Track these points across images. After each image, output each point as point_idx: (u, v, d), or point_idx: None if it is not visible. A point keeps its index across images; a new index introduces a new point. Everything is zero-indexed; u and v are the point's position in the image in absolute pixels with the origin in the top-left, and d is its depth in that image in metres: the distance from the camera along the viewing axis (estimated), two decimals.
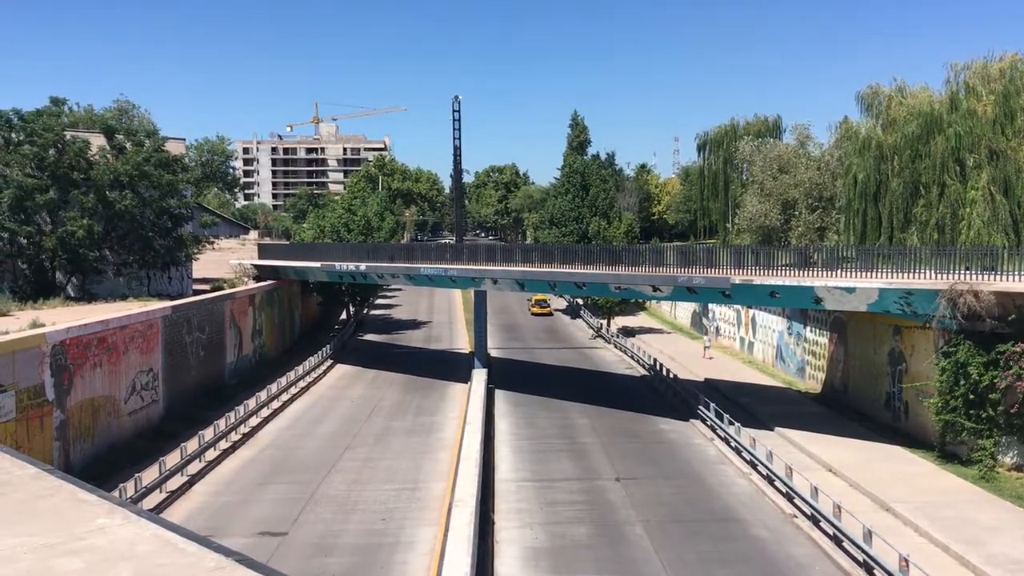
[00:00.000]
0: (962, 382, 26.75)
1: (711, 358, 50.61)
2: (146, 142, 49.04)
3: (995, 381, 26.18)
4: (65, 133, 46.77)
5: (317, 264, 48.28)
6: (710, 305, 56.98)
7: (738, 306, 50.73)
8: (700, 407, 34.93)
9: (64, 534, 4.04)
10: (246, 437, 32.58)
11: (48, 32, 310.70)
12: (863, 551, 19.67)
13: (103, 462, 27.34)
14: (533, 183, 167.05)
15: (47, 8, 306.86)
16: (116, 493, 21.48)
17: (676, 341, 58.09)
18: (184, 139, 62.30)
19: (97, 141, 47.92)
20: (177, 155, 51.91)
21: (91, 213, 44.33)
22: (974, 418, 26.68)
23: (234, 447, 31.09)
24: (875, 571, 19.19)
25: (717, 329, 57.50)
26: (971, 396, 26.60)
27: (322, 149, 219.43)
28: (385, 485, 26.81)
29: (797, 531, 22.75)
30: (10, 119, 45.16)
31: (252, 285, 49.91)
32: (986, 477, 25.83)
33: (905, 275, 28.81)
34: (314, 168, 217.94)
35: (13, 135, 45.21)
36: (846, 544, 20.75)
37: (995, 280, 26.92)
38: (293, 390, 40.82)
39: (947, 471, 26.82)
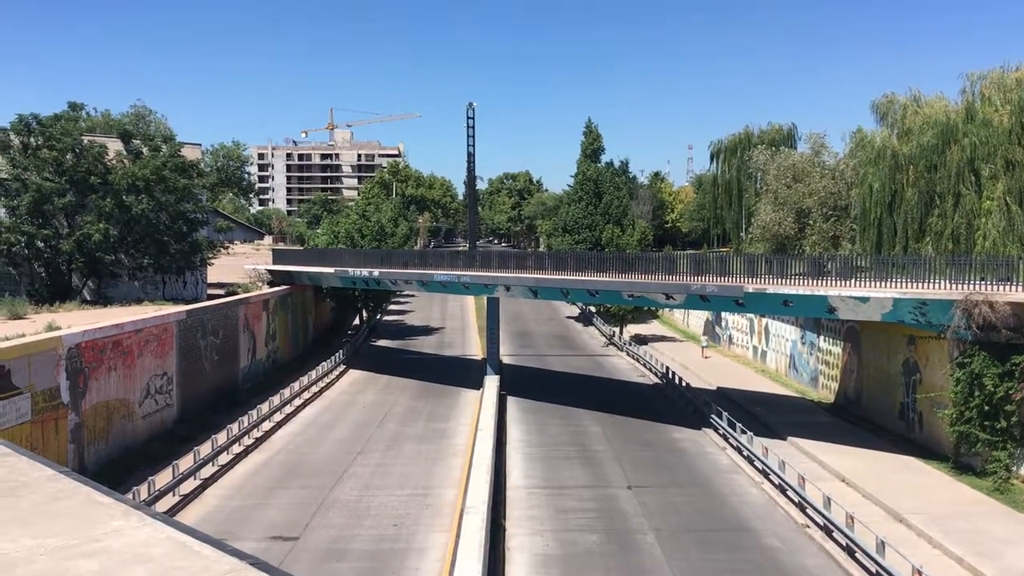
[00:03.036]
0: (977, 393, 26.58)
1: (708, 357, 54.18)
2: (163, 147, 49.45)
3: (1010, 392, 26.00)
4: (83, 138, 47.22)
5: (331, 270, 48.42)
6: (723, 313, 56.82)
7: (751, 315, 50.57)
8: (712, 416, 34.83)
9: (80, 536, 4.08)
10: (259, 441, 32.69)
11: (66, 38, 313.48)
12: (876, 562, 19.55)
13: (117, 465, 27.47)
14: (547, 190, 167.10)
15: (64, 14, 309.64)
16: (130, 496, 21.60)
17: (688, 349, 57.91)
18: (200, 144, 62.64)
19: (114, 146, 48.34)
20: (193, 160, 52.26)
21: (108, 217, 44.69)
22: (989, 429, 26.48)
23: (247, 451, 31.19)
24: None
25: (730, 338, 57.34)
26: (986, 407, 26.41)
27: (336, 155, 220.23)
28: (397, 491, 26.85)
29: (810, 541, 22.65)
30: (29, 124, 45.62)
31: (266, 290, 50.10)
32: (1001, 489, 25.63)
33: (920, 285, 28.64)
34: (328, 174, 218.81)
35: (32, 140, 45.65)
36: (859, 555, 20.64)
37: (1011, 291, 26.73)
38: (306, 395, 40.92)
39: (961, 482, 26.63)
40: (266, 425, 34.51)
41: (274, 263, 55.59)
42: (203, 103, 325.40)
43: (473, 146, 57.74)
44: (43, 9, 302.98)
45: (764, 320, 49.88)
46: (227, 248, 59.05)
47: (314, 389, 42.63)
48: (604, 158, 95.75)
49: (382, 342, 62.74)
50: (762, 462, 28.34)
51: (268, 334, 47.38)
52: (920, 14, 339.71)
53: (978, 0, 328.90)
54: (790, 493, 25.59)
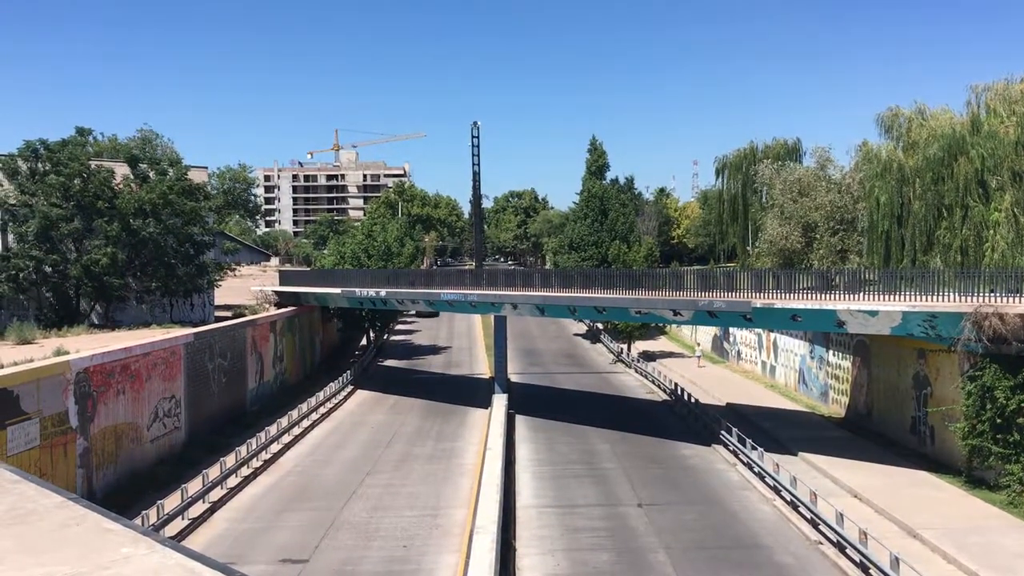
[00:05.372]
0: (988, 406, 26.39)
1: (703, 367, 56.71)
2: (169, 171, 49.65)
3: (1022, 405, 25.81)
4: (90, 163, 47.48)
5: (337, 290, 48.46)
6: (731, 329, 56.71)
7: (759, 330, 50.43)
8: (722, 432, 34.65)
9: (90, 564, 4.04)
10: (267, 463, 32.62)
11: (73, 64, 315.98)
12: None
13: (126, 489, 27.42)
14: (552, 208, 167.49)
15: (72, 41, 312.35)
16: (139, 520, 21.55)
17: (700, 368, 57.72)
18: (206, 167, 62.97)
19: (121, 170, 48.59)
20: (200, 183, 52.49)
21: (115, 241, 44.84)
22: (1001, 443, 26.26)
23: (255, 474, 31.11)
24: None
25: (739, 353, 57.18)
26: (998, 420, 26.21)
27: (342, 176, 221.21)
28: (406, 511, 26.73)
29: (823, 558, 22.45)
30: (37, 149, 45.94)
31: (273, 311, 50.15)
32: (1014, 503, 25.40)
33: (929, 298, 28.51)
34: (334, 195, 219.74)
35: (39, 165, 45.93)
36: (873, 572, 20.43)
37: (1021, 302, 26.61)
38: (314, 416, 40.87)
39: (974, 496, 26.42)
40: (274, 447, 34.44)
41: (281, 284, 55.66)
42: (209, 126, 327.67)
43: (478, 165, 57.93)
44: (49, 35, 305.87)
45: (772, 335, 49.73)
46: (234, 270, 59.13)
47: (322, 410, 42.56)
48: (609, 175, 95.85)
49: (389, 362, 62.71)
50: (773, 478, 28.16)
51: (276, 356, 47.39)
52: (923, 26, 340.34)
53: (980, 13, 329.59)
54: (802, 509, 25.40)
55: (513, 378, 51.25)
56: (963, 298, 27.64)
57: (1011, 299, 26.97)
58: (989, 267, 35.48)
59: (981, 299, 27.05)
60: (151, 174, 49.04)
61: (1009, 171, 38.81)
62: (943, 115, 46.07)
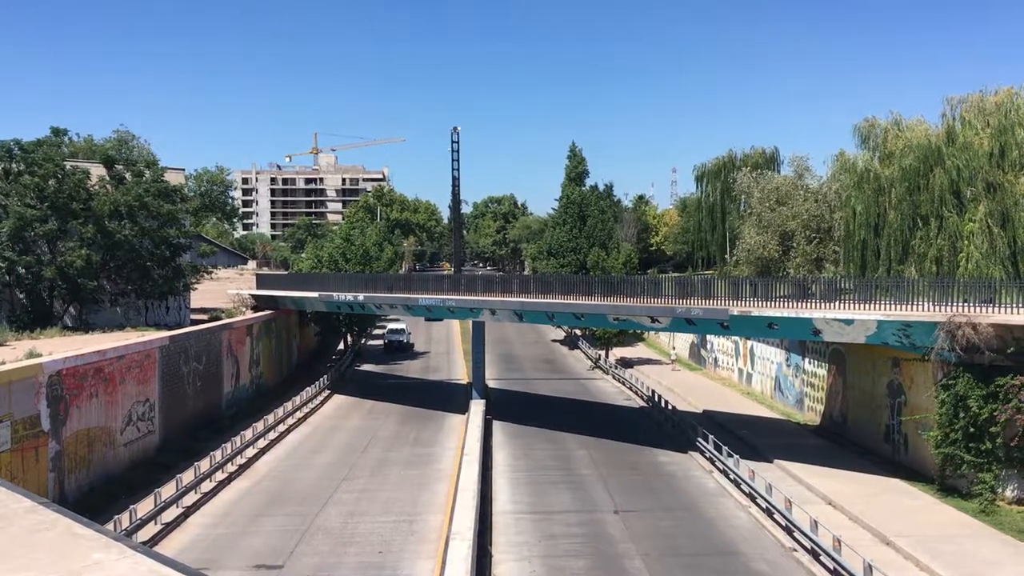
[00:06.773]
0: (961, 415, 26.66)
1: (677, 370, 58.39)
2: (146, 172, 49.26)
3: (995, 414, 26.09)
4: (65, 163, 47.03)
5: (315, 294, 48.25)
6: (708, 336, 56.95)
7: (736, 337, 50.68)
8: (699, 439, 34.78)
9: (59, 569, 3.99)
10: (242, 468, 32.37)
11: (49, 63, 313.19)
12: None
13: (98, 493, 27.13)
14: (531, 214, 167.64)
15: (48, 39, 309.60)
16: (111, 525, 21.31)
17: (674, 372, 57.94)
18: (183, 169, 62.51)
19: (97, 171, 48.16)
20: (176, 185, 52.13)
21: (90, 243, 44.42)
22: (974, 451, 26.55)
23: (230, 478, 30.87)
24: None
25: (716, 360, 57.44)
26: (971, 429, 26.50)
27: (321, 179, 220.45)
28: (382, 517, 26.61)
29: (797, 565, 22.55)
30: (11, 149, 45.44)
31: (250, 315, 49.83)
32: (986, 511, 25.66)
33: (903, 307, 28.79)
34: (313, 198, 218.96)
35: (14, 165, 45.44)
36: None
37: (993, 312, 26.92)
38: (290, 420, 40.62)
39: (947, 504, 26.65)
40: (250, 451, 34.19)
41: (258, 288, 55.33)
42: (187, 127, 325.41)
43: (458, 170, 57.99)
44: (25, 35, 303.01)
45: (749, 343, 49.99)
46: (210, 273, 58.78)
47: (299, 415, 42.30)
48: (588, 181, 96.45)
49: (367, 367, 62.47)
50: (749, 485, 28.27)
51: (252, 359, 47.08)
52: (901, 36, 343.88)
53: (956, 23, 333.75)
54: (777, 516, 25.51)
55: (491, 383, 51.20)
56: (937, 308, 27.93)
57: (984, 309, 27.27)
58: (963, 277, 35.85)
59: (955, 309, 27.34)
60: (127, 175, 48.66)
61: (983, 182, 39.27)
62: (919, 126, 46.62)
